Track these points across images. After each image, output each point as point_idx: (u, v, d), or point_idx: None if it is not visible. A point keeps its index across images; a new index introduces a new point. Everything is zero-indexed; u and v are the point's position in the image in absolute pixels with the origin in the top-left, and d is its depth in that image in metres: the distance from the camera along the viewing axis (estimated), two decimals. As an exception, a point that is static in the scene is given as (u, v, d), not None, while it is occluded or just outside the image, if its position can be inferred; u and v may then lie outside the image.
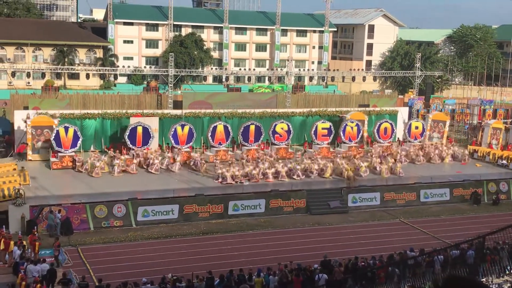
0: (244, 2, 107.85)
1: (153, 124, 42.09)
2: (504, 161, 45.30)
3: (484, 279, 15.21)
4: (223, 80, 79.58)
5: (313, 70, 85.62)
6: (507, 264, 18.78)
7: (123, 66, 71.66)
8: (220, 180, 36.62)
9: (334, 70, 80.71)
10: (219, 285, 22.48)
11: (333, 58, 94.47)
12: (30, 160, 39.45)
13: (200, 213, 32.50)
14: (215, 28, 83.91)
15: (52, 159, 38.55)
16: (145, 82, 71.43)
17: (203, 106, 46.97)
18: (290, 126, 44.56)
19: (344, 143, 45.73)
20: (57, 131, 38.63)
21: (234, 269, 23.49)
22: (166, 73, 51.76)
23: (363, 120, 47.19)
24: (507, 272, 18.50)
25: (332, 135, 45.38)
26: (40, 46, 74.63)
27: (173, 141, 41.22)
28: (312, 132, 45.03)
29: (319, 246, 28.97)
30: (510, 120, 56.66)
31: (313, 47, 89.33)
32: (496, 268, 16.65)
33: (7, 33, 72.84)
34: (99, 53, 76.76)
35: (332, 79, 77.57)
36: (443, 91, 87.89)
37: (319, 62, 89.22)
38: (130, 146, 40.43)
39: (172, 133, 41.18)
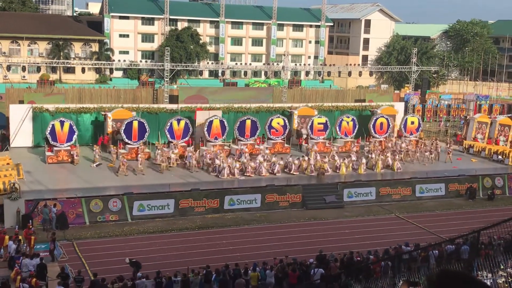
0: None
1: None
2: (500, 157, 45.39)
3: (478, 274, 15.27)
4: (219, 74, 79.49)
5: (309, 65, 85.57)
6: (501, 259, 18.87)
7: (119, 60, 71.58)
8: (216, 173, 36.70)
9: (330, 65, 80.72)
10: (215, 279, 22.52)
11: (329, 53, 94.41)
12: (110, 152, 39.65)
13: (196, 207, 32.50)
14: (211, 22, 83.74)
15: (48, 153, 38.46)
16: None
17: (199, 100, 46.92)
18: (286, 121, 44.53)
19: (341, 138, 45.80)
20: (53, 125, 38.55)
21: (229, 263, 23.54)
22: (162, 68, 51.70)
23: (312, 116, 45.60)
24: (502, 266, 18.60)
25: (328, 130, 45.38)
26: (36, 40, 74.37)
27: (169, 136, 41.15)
28: (308, 127, 45.02)
29: (314, 240, 29.01)
30: (493, 115, 56.53)
31: (310, 42, 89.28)
32: (490, 263, 16.73)
33: (2, 26, 72.53)
34: (95, 47, 76.54)
35: (328, 74, 77.51)
36: (439, 86, 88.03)
37: (315, 57, 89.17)
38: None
39: (168, 127, 41.10)
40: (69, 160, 38.35)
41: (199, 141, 41.89)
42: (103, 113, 41.91)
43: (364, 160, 39.73)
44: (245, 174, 37.12)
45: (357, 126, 46.46)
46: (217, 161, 37.14)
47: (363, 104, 51.30)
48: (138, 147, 39.42)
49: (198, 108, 44.25)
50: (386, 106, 49.14)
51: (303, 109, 46.49)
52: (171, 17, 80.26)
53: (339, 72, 76.51)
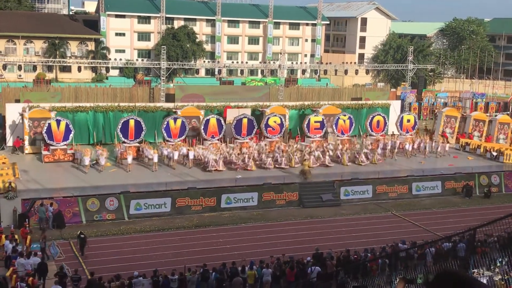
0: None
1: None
2: (494, 153, 45.20)
3: (474, 271, 15.33)
4: (216, 73, 79.41)
5: (305, 63, 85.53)
6: (497, 256, 18.92)
7: (115, 59, 71.38)
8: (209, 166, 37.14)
9: (326, 63, 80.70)
10: (213, 279, 22.51)
11: (326, 51, 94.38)
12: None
13: (192, 206, 32.51)
14: (207, 20, 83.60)
15: (44, 152, 38.40)
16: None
17: (195, 99, 46.92)
18: (283, 120, 44.54)
19: (337, 136, 45.81)
20: (49, 124, 38.49)
21: (226, 262, 23.54)
22: (158, 66, 51.65)
23: (284, 115, 45.47)
24: (498, 264, 18.65)
25: (324, 129, 45.41)
26: (32, 38, 74.12)
27: (165, 135, 41.15)
28: (305, 125, 45.04)
29: (311, 239, 29.05)
30: (465, 113, 56.44)
31: (306, 40, 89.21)
32: (486, 260, 16.79)
33: (-2, 25, 72.26)
34: (91, 46, 76.33)
35: (325, 72, 77.54)
36: (435, 84, 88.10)
37: (312, 55, 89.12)
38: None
39: (164, 126, 41.10)
40: (70, 159, 38.31)
41: (227, 139, 42.47)
42: (174, 110, 43.36)
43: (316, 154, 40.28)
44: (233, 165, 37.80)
45: (353, 124, 46.55)
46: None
47: (360, 102, 51.34)
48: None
49: (228, 106, 44.62)
50: (327, 106, 47.82)
51: (276, 107, 46.01)
52: (168, 15, 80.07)
53: (336, 71, 76.48)
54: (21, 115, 39.78)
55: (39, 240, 25.61)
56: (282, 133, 44.65)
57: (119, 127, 40.03)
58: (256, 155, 39.73)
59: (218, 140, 42.27)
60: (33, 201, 29.60)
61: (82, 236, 26.11)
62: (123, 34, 79.32)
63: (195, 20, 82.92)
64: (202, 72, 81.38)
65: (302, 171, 37.23)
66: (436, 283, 3.62)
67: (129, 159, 37.06)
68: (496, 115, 54.78)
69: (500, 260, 19.04)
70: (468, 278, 3.56)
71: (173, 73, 68.27)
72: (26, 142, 39.74)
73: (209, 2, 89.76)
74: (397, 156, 43.85)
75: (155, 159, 37.44)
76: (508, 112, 60.70)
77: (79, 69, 62.30)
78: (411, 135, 48.11)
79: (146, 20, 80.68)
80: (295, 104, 48.88)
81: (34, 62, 61.40)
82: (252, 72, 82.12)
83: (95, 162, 37.66)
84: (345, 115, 46.16)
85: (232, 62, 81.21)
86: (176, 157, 38.20)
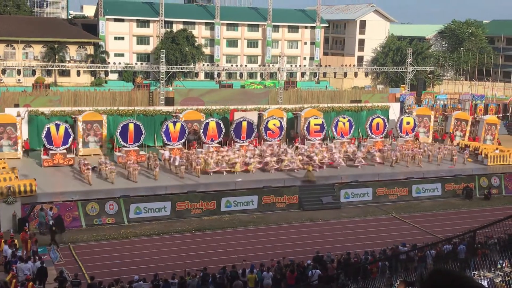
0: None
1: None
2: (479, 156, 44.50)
3: (475, 273, 15.29)
4: (215, 76, 79.47)
5: (305, 66, 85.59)
6: (497, 258, 18.89)
7: (114, 63, 71.46)
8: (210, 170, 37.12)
9: (325, 66, 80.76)
10: (210, 283, 22.47)
11: (325, 54, 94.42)
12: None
13: (192, 209, 32.47)
14: (206, 24, 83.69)
15: (44, 157, 38.36)
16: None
17: (195, 102, 46.92)
18: (283, 123, 44.52)
19: (337, 138, 45.79)
20: (48, 128, 38.47)
21: (227, 265, 23.50)
22: (157, 70, 51.66)
23: (282, 117, 44.95)
24: (498, 266, 18.62)
25: (324, 131, 45.38)
26: (31, 43, 74.15)
27: (165, 138, 41.12)
28: (304, 128, 45.02)
29: (311, 242, 29.00)
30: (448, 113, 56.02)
31: (305, 43, 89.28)
32: (487, 262, 16.75)
33: (-3, 30, 72.31)
34: (90, 50, 76.38)
35: (324, 75, 77.59)
36: (434, 86, 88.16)
37: (311, 58, 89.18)
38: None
39: (164, 130, 41.07)
40: (70, 163, 38.29)
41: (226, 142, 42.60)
42: (174, 114, 43.57)
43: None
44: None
45: (353, 127, 46.53)
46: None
47: (359, 104, 51.35)
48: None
49: (234, 109, 44.73)
50: (309, 109, 46.43)
51: (273, 110, 45.66)
52: (166, 19, 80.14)
53: (335, 73, 76.54)
54: (74, 118, 40.56)
55: (32, 244, 25.57)
56: (281, 136, 44.62)
57: (119, 131, 40.01)
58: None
59: (217, 143, 42.27)
60: (32, 205, 29.56)
61: (54, 228, 27.42)
62: (122, 38, 79.36)
63: (194, 23, 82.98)
64: (202, 76, 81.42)
65: (307, 175, 37.17)
66: (430, 282, 3.59)
67: (131, 166, 36.62)
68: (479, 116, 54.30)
69: (500, 262, 19.02)
70: (462, 277, 3.53)
71: (172, 77, 68.29)
72: (80, 145, 40.52)
73: (208, 6, 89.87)
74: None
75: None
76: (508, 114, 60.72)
77: (78, 73, 62.39)
78: (411, 137, 48.06)
79: (145, 24, 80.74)
80: (294, 107, 48.88)
81: (33, 67, 61.46)
82: (251, 75, 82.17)
83: (94, 166, 37.58)
84: (344, 118, 46.13)
85: (231, 65, 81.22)
86: (177, 163, 37.67)
